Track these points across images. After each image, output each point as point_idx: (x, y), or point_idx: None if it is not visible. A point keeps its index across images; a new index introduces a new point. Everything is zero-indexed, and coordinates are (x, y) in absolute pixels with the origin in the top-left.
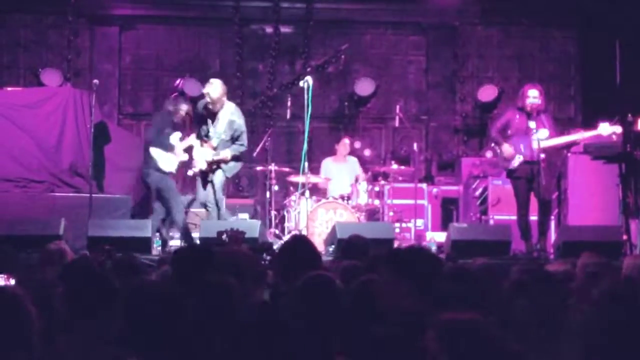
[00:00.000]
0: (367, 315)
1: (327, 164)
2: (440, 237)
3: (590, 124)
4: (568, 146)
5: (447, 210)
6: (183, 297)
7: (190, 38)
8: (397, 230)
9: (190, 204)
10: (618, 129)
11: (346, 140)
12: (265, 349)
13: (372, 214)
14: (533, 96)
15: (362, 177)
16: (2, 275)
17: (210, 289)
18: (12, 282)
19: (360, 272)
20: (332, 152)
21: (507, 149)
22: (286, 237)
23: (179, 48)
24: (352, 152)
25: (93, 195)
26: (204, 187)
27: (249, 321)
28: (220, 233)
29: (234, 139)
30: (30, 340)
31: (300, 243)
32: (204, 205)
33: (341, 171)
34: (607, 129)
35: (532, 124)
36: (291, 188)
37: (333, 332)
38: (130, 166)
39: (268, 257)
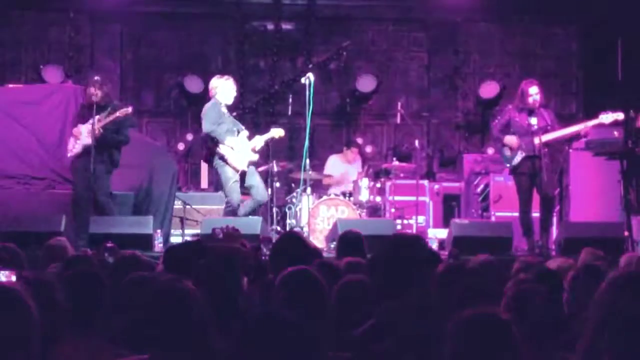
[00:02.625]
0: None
1: (334, 161)
2: (442, 233)
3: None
4: (571, 138)
5: (449, 207)
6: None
7: (192, 35)
8: (399, 226)
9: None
10: (620, 116)
11: (354, 148)
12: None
13: (374, 211)
14: (535, 93)
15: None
16: (5, 272)
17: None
18: (14, 278)
19: (359, 268)
20: (333, 149)
21: (511, 138)
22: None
23: (180, 45)
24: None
25: None
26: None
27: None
28: (215, 230)
29: None
30: (29, 338)
31: (292, 240)
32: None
33: (349, 171)
34: (608, 117)
35: (533, 120)
36: (293, 185)
37: (319, 329)
38: (132, 163)
39: (267, 252)
